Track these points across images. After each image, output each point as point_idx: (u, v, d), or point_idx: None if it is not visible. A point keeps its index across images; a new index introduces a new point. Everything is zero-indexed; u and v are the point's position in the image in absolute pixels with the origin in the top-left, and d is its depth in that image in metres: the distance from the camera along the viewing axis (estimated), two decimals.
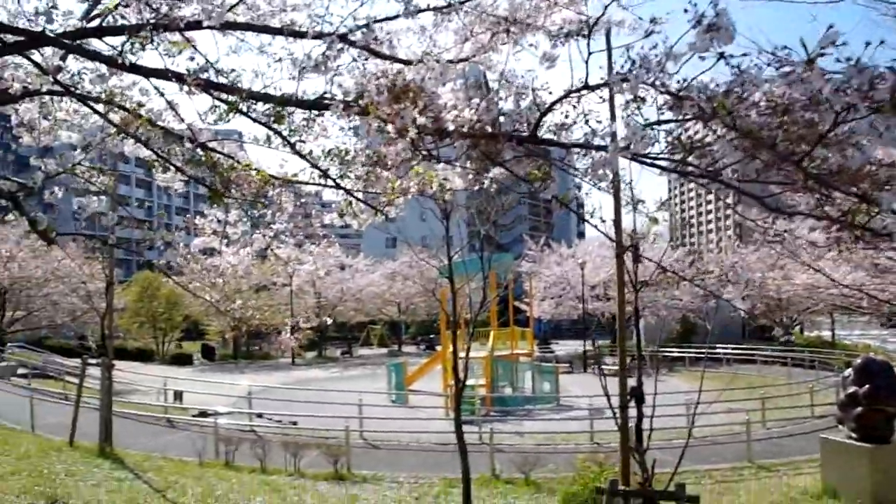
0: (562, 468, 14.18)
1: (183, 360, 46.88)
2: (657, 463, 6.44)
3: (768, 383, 25.93)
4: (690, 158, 4.39)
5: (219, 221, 8.40)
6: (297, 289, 54.17)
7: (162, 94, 6.75)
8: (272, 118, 5.84)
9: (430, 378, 28.94)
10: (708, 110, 3.42)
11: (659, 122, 4.20)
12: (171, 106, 6.80)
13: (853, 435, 11.87)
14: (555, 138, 4.56)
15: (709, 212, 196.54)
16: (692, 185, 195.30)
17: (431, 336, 60.93)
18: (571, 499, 10.49)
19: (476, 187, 9.16)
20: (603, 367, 7.80)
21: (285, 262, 8.62)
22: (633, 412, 6.78)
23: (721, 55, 3.36)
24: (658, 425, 6.85)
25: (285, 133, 5.98)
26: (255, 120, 5.94)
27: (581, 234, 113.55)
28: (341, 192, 7.24)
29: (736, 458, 16.01)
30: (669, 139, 4.27)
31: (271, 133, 6.05)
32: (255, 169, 6.40)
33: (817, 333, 48.83)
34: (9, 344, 37.53)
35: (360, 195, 6.65)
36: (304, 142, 6.05)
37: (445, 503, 12.36)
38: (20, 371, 31.07)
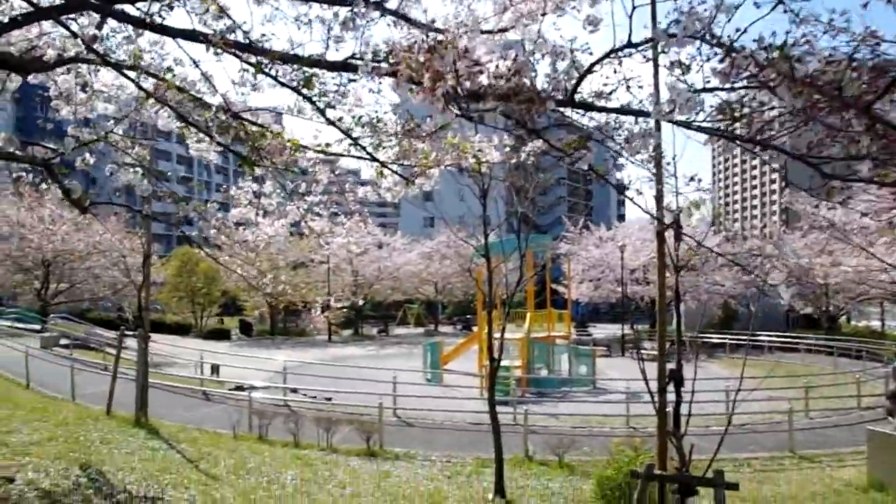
0: (596, 451, 14.00)
1: (220, 334, 47.36)
2: (695, 449, 6.22)
3: (812, 372, 25.38)
4: (739, 127, 4.12)
5: (254, 193, 8.35)
6: (335, 266, 54.32)
7: (196, 65, 6.65)
8: (301, 83, 5.68)
9: (466, 358, 28.90)
10: (763, 60, 3.15)
11: (706, 89, 3.94)
12: (206, 76, 6.69)
13: None
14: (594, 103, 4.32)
15: (753, 196, 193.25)
16: (736, 168, 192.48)
17: (468, 316, 60.91)
18: (605, 482, 10.29)
19: (513, 160, 8.98)
20: (641, 350, 7.48)
21: (318, 235, 8.47)
22: (671, 396, 6.54)
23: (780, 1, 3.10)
24: (696, 411, 6.64)
25: (315, 99, 5.82)
26: (283, 84, 5.79)
27: (621, 217, 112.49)
28: (375, 164, 7.11)
29: (777, 447, 15.69)
30: (717, 105, 4.00)
31: (301, 100, 5.89)
32: (285, 137, 6.26)
33: (865, 323, 47.55)
34: (51, 315, 38.22)
35: (393, 166, 6.48)
36: (333, 107, 5.89)
37: (478, 483, 12.22)
38: (62, 342, 31.59)
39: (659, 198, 6.32)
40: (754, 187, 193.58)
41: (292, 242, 51.73)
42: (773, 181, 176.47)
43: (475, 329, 33.52)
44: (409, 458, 14.15)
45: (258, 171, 7.74)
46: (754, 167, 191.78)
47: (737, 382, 17.80)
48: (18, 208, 37.93)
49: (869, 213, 17.88)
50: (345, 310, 49.63)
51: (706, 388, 15.83)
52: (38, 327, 36.09)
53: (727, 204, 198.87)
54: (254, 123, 6.65)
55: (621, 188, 5.24)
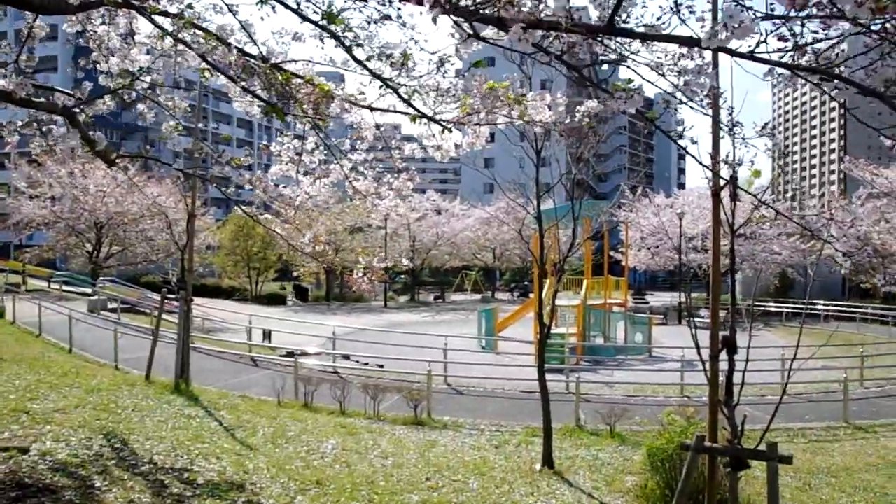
0: (648, 421, 13.75)
1: (276, 299, 47.80)
2: (748, 419, 5.87)
3: (867, 341, 24.69)
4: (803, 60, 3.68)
5: (296, 150, 8.11)
6: (392, 231, 54.44)
7: (234, 13, 6.42)
8: (325, 18, 5.37)
9: (522, 325, 28.67)
10: None
11: (769, 16, 3.51)
12: (244, 26, 6.46)
13: None
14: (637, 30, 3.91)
15: (812, 166, 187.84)
16: (795, 138, 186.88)
17: (525, 283, 60.60)
18: (656, 453, 9.92)
19: (566, 119, 8.56)
20: (695, 318, 7.05)
21: (364, 196, 8.19)
22: (724, 365, 6.15)
23: None
24: (750, 380, 6.24)
25: (340, 35, 5.50)
26: (305, 18, 5.49)
27: (681, 186, 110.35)
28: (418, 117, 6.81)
29: (831, 417, 15.32)
30: (778, 33, 3.56)
31: (327, 36, 5.58)
32: (313, 83, 5.97)
33: None
34: (101, 278, 38.03)
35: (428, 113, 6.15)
36: (361, 45, 5.57)
37: (526, 452, 11.96)
38: (111, 306, 31.62)
39: (715, 145, 5.87)
40: (813, 156, 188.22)
41: (350, 207, 52.07)
42: (832, 148, 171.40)
43: (532, 296, 33.26)
44: (456, 426, 13.93)
45: (298, 126, 7.52)
46: (813, 128, 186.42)
47: (792, 351, 17.33)
48: (71, 169, 37.93)
49: None
50: (389, 272, 49.59)
51: (760, 357, 15.30)
52: (88, 290, 36.05)
53: (785, 173, 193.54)
54: (281, 69, 6.36)
55: (675, 136, 4.79)
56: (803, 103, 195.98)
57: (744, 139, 4.84)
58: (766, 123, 4.86)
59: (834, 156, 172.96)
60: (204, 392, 15.31)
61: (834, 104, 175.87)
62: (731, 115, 4.96)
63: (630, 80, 4.34)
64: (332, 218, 49.46)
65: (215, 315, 30.15)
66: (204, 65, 6.34)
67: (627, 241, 41.12)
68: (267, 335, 24.76)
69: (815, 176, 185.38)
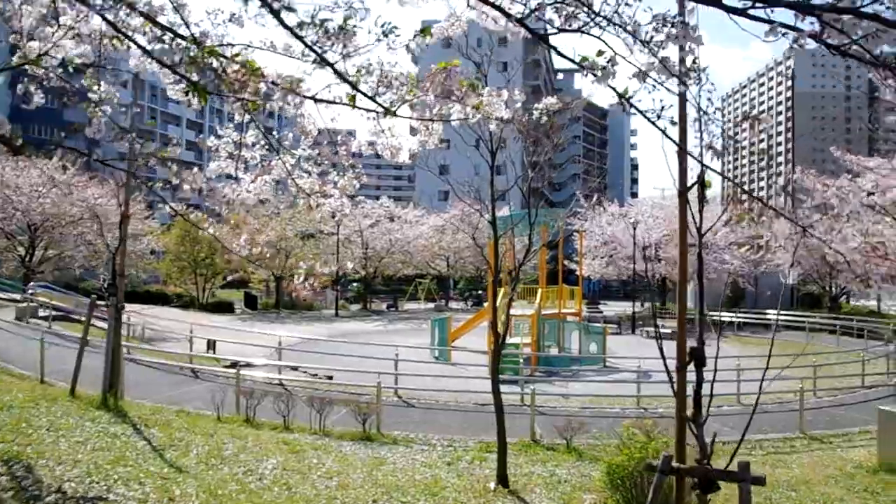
0: (606, 434, 13.31)
1: (224, 307, 46.34)
2: (707, 431, 5.41)
3: (818, 351, 25.08)
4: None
5: (235, 144, 7.49)
6: (345, 238, 53.59)
7: None
8: None
9: (476, 334, 28.17)
10: None
11: None
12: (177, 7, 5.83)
13: None
14: None
15: (761, 178, 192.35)
16: (743, 142, 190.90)
17: (479, 291, 60.17)
18: (616, 470, 9.48)
19: (523, 115, 8.06)
20: (658, 328, 6.53)
21: (308, 195, 7.56)
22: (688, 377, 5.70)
23: None
24: (708, 391, 5.83)
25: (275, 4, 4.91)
26: None
27: (634, 195, 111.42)
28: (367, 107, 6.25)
29: (788, 428, 15.23)
30: None
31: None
32: (242, 61, 5.35)
33: (863, 303, 47.78)
34: (31, 283, 34.95)
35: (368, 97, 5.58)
36: (292, 9, 4.98)
37: (480, 469, 11.43)
38: (42, 313, 29.41)
39: (682, 137, 5.41)
40: (761, 168, 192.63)
41: (301, 212, 51.05)
42: (779, 162, 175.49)
43: (486, 305, 32.86)
44: (407, 442, 13.31)
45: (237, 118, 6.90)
46: (761, 141, 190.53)
47: (747, 362, 17.14)
48: (2, 167, 35.61)
49: (875, 191, 17.35)
50: (342, 280, 48.65)
51: (720, 367, 15.03)
52: (18, 297, 33.17)
53: (735, 185, 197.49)
54: (217, 54, 5.73)
55: (652, 117, 4.24)
56: (751, 107, 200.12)
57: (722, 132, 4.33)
58: (747, 116, 4.38)
59: (781, 158, 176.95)
60: (135, 407, 14.38)
61: (781, 117, 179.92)
62: (709, 96, 4.48)
63: (601, 52, 3.80)
64: (283, 223, 48.48)
65: (158, 323, 29.01)
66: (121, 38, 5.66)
67: (582, 250, 41.00)
68: (211, 345, 23.80)
69: (762, 189, 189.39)
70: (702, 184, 5.40)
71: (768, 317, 39.73)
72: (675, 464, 5.61)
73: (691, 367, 5.73)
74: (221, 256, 45.17)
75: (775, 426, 15.10)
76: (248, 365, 19.62)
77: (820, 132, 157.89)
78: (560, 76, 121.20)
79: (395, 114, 5.41)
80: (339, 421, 14.13)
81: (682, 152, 5.37)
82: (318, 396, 14.50)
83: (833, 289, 43.03)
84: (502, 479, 10.24)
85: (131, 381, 15.92)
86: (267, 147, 7.45)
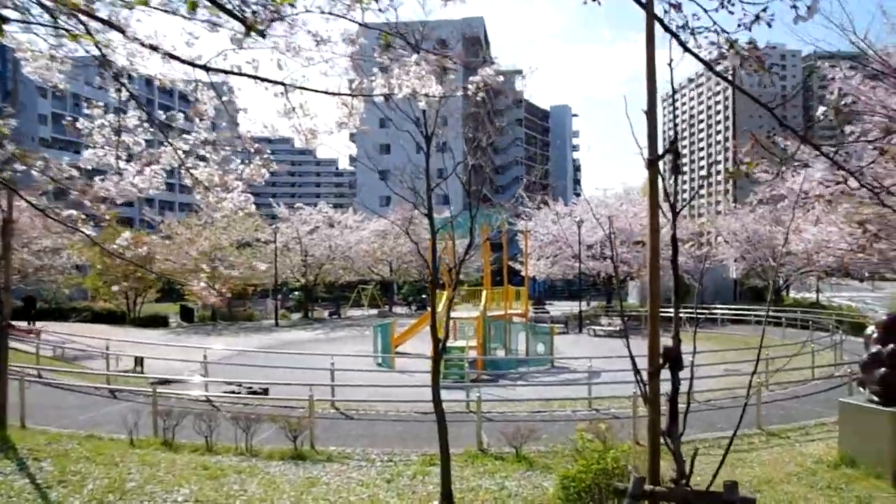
0: (558, 439, 12.79)
1: (157, 321, 44.26)
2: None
3: (766, 344, 24.56)
4: None
5: (114, 130, 6.30)
6: (283, 246, 52.08)
7: None
8: None
9: (421, 339, 27.13)
10: None
11: None
12: None
13: (875, 398, 10.93)
14: None
15: (701, 167, 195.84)
16: (684, 136, 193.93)
17: (424, 296, 59.17)
18: (572, 483, 8.52)
19: (458, 93, 7.08)
20: (626, 327, 5.52)
21: (206, 188, 6.40)
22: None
23: None
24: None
25: None
26: None
27: (578, 195, 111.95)
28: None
29: (743, 423, 14.25)
30: None
31: None
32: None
33: (804, 295, 48.31)
34: None
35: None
36: None
37: (422, 486, 10.43)
38: None
39: (651, 100, 4.48)
40: (701, 157, 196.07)
41: (236, 220, 49.36)
42: (727, 155, 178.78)
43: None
44: (343, 458, 12.19)
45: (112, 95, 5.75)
46: (700, 139, 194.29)
47: (701, 357, 16.48)
48: None
49: (825, 182, 16.96)
50: (282, 289, 46.73)
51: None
52: None
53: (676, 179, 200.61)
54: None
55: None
56: (691, 108, 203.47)
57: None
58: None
59: (720, 157, 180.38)
60: (30, 436, 12.84)
61: (720, 115, 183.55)
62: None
63: None
64: (217, 232, 46.66)
65: (81, 341, 27.21)
66: None
67: (527, 250, 40.42)
68: (139, 362, 22.27)
69: (703, 187, 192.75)
70: (675, 152, 4.47)
71: (714, 311, 39.94)
72: (648, 486, 4.64)
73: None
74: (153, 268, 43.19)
75: (732, 422, 14.49)
76: (166, 381, 18.21)
77: (758, 130, 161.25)
78: (501, 78, 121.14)
79: (262, 33, 4.34)
80: (269, 439, 12.96)
81: (652, 113, 4.44)
82: (243, 413, 13.24)
83: (775, 282, 43.24)
84: (447, 495, 9.18)
85: (36, 405, 14.41)
86: (153, 130, 6.31)
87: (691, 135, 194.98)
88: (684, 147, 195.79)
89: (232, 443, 12.45)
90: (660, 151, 4.46)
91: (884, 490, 10.02)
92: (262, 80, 5.32)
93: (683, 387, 4.85)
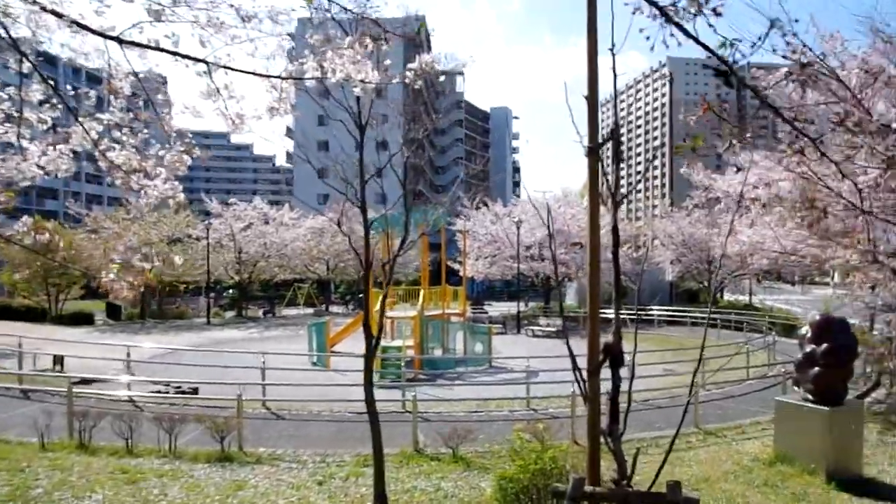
0: (495, 439, 12.64)
1: (82, 319, 42.28)
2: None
3: (700, 345, 25.01)
4: None
5: (11, 100, 5.79)
6: (216, 242, 50.85)
7: None
8: None
9: (357, 339, 26.58)
10: None
11: None
12: None
13: (809, 397, 11.18)
14: None
15: (638, 172, 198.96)
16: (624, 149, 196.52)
17: (361, 295, 58.33)
18: (509, 484, 8.30)
19: (395, 80, 6.81)
20: (566, 327, 5.31)
21: (125, 174, 5.93)
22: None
23: None
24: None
25: None
26: None
27: (517, 195, 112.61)
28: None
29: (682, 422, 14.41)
30: None
31: None
32: None
33: (737, 297, 49.47)
34: None
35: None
36: None
37: (356, 488, 10.09)
38: None
39: (592, 85, 4.26)
40: (638, 163, 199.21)
41: (167, 215, 47.99)
42: (664, 160, 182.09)
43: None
44: (273, 460, 11.72)
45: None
46: (638, 145, 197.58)
47: (639, 356, 16.45)
48: None
49: (759, 185, 17.23)
50: (217, 287, 45.21)
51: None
52: None
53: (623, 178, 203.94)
54: None
55: None
56: (629, 112, 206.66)
57: None
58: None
59: (657, 162, 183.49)
60: None
61: (657, 122, 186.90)
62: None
63: None
64: (147, 227, 45.24)
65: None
66: None
67: (465, 249, 40.29)
68: (58, 360, 21.28)
69: (640, 191, 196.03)
70: (616, 139, 4.27)
71: (651, 312, 40.39)
72: (588, 487, 4.42)
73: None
74: (76, 264, 41.46)
75: (670, 421, 14.65)
76: (98, 381, 17.39)
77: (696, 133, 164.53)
78: (442, 78, 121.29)
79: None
80: (195, 440, 12.39)
81: (593, 98, 4.22)
82: (167, 413, 12.65)
83: (710, 284, 44.05)
84: (380, 497, 8.84)
85: None
86: (62, 107, 5.83)
87: (629, 140, 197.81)
88: (627, 146, 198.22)
89: (155, 445, 11.86)
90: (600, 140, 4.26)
91: (818, 486, 10.18)
92: (183, 56, 4.93)
93: (624, 385, 4.69)
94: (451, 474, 10.85)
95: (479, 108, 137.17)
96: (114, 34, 4.91)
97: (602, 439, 4.60)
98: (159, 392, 17.18)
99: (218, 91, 5.36)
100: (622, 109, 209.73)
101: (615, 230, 4.51)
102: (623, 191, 4.16)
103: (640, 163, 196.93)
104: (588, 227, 4.47)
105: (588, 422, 4.59)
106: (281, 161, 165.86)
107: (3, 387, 17.91)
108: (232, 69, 5.12)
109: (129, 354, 19.91)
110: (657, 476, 4.57)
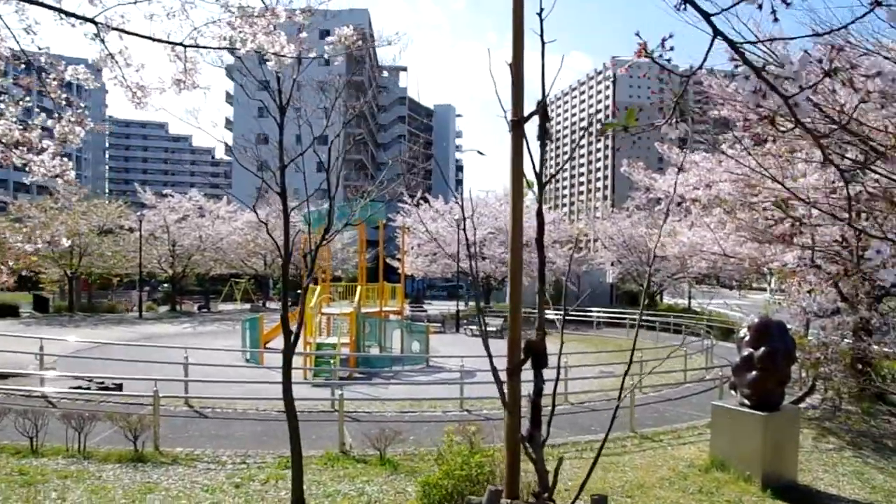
0: (426, 441, 12.27)
1: (5, 311, 40.64)
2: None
3: (639, 347, 24.98)
4: None
5: None
6: (148, 234, 49.42)
7: None
8: None
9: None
10: None
11: None
12: None
13: (746, 402, 11.00)
14: None
15: (580, 174, 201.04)
16: (566, 142, 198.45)
17: (298, 291, 57.26)
18: (433, 490, 7.94)
19: (311, 54, 6.39)
20: (483, 324, 4.91)
21: (6, 147, 5.37)
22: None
23: None
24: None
25: None
26: None
27: (460, 193, 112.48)
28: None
29: (616, 426, 14.24)
30: None
31: None
32: None
33: (676, 300, 49.66)
34: None
35: None
36: None
37: (275, 491, 9.62)
38: None
39: (517, 60, 3.91)
40: (581, 164, 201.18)
41: (97, 206, 46.58)
42: (606, 162, 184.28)
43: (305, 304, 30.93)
44: (190, 460, 11.14)
45: None
46: (582, 147, 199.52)
47: (576, 358, 16.37)
48: None
49: (699, 186, 17.18)
50: (151, 281, 43.78)
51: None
52: None
53: (556, 187, 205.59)
54: None
55: None
56: (573, 115, 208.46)
57: None
58: None
59: (600, 164, 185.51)
60: None
61: (601, 117, 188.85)
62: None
63: None
64: (76, 217, 43.66)
65: None
66: None
67: (404, 247, 39.81)
68: None
69: (584, 189, 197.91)
70: (544, 112, 3.90)
71: (591, 314, 40.35)
72: (505, 501, 4.05)
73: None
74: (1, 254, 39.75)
75: (604, 425, 14.23)
76: (15, 376, 16.52)
77: (637, 140, 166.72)
78: (385, 74, 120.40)
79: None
80: (108, 439, 11.74)
81: (517, 66, 3.85)
82: (76, 411, 11.93)
83: (649, 285, 44.25)
84: (298, 502, 8.39)
85: None
86: None
87: (572, 142, 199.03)
88: (565, 144, 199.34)
89: (64, 443, 11.19)
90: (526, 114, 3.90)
91: (753, 494, 10.05)
92: (67, 14, 4.43)
93: (548, 388, 4.34)
94: (377, 478, 10.44)
95: (423, 104, 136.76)
96: None
97: (522, 447, 4.26)
98: (80, 388, 16.36)
99: (112, 57, 4.87)
100: (565, 111, 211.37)
101: (539, 215, 4.16)
102: (550, 171, 3.77)
103: (582, 164, 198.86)
104: (511, 209, 4.10)
105: (506, 428, 4.22)
106: (220, 154, 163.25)
107: None
108: (125, 31, 4.63)
109: (41, 348, 18.87)
110: (581, 489, 4.22)
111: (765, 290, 53.77)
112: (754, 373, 10.70)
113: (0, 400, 13.84)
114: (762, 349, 10.66)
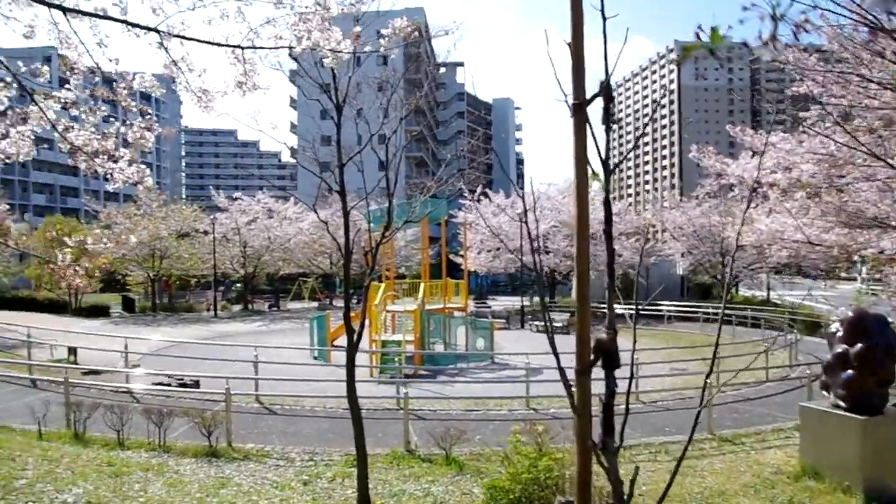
0: (492, 440, 12.06)
1: (99, 311, 43.56)
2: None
3: (714, 343, 24.19)
4: None
5: None
6: (221, 236, 51.05)
7: None
8: None
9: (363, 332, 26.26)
10: None
11: None
12: None
13: (841, 403, 9.78)
14: None
15: (646, 163, 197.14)
16: (629, 129, 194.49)
17: (362, 289, 57.75)
18: (499, 494, 7.86)
19: (367, 48, 6.43)
20: (549, 319, 4.72)
21: (89, 157, 5.57)
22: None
23: None
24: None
25: None
26: None
27: (522, 187, 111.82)
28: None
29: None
30: None
31: None
32: None
33: (753, 292, 47.41)
34: None
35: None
36: None
37: (342, 489, 9.74)
38: None
39: (577, 33, 3.82)
40: (645, 152, 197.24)
41: (175, 210, 48.47)
42: (673, 150, 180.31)
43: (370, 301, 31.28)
44: (260, 456, 11.49)
45: None
46: (654, 130, 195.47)
47: (647, 354, 15.74)
48: None
49: (777, 169, 16.40)
50: (225, 281, 45.29)
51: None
52: None
53: (621, 177, 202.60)
54: None
55: None
56: (635, 102, 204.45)
57: None
58: None
59: (666, 151, 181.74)
60: None
61: (665, 111, 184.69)
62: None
63: None
64: (156, 222, 45.60)
65: (18, 330, 26.00)
66: None
67: (467, 243, 39.79)
68: (72, 351, 21.36)
69: (648, 179, 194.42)
70: (608, 93, 3.75)
71: (661, 308, 38.71)
72: None
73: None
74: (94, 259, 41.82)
75: (680, 426, 13.69)
76: (107, 372, 17.62)
77: (704, 125, 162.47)
78: (442, 70, 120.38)
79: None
80: (186, 434, 12.24)
81: (578, 45, 3.73)
82: (156, 406, 12.39)
83: (726, 277, 42.74)
84: (363, 502, 8.45)
85: None
86: (16, 87, 5.47)
87: (636, 129, 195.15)
88: (629, 133, 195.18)
89: (146, 437, 11.73)
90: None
91: None
92: (132, 25, 4.59)
93: (619, 388, 4.21)
94: (442, 478, 10.35)
95: (482, 99, 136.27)
96: (57, 2, 4.57)
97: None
98: (161, 384, 17.00)
99: (175, 64, 5.02)
100: (628, 98, 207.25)
101: (607, 203, 4.02)
102: (616, 159, 3.64)
103: (647, 152, 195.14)
104: (575, 198, 3.96)
105: (577, 434, 4.06)
106: (287, 157, 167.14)
107: (15, 376, 18.10)
108: (186, 38, 4.77)
109: (126, 346, 19.77)
110: (662, 499, 4.04)
111: (855, 279, 50.96)
112: (850, 371, 9.60)
113: (92, 395, 14.44)
114: (859, 345, 9.56)
